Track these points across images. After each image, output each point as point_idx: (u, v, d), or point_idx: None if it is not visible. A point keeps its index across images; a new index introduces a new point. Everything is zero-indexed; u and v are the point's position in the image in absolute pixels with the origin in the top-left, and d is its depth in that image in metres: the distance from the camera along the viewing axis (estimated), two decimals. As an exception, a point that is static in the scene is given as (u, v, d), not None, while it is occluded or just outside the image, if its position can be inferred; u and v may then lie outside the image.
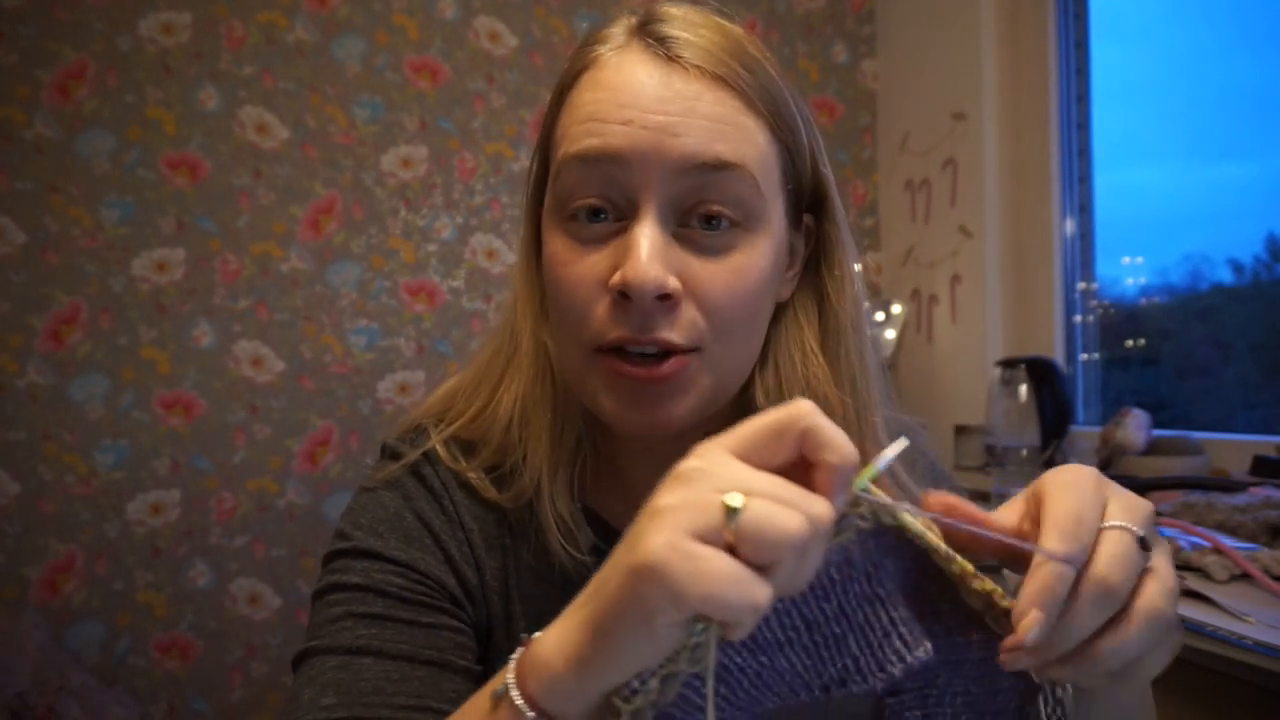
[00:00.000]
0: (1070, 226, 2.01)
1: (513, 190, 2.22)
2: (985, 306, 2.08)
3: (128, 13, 1.97)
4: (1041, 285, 2.04)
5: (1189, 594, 1.01)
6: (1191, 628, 0.95)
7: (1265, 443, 1.56)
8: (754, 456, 0.38)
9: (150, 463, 1.97)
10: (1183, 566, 1.06)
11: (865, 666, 0.41)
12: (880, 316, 2.33)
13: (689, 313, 0.56)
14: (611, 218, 0.57)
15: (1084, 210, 2.01)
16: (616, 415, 0.58)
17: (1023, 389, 1.85)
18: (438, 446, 0.65)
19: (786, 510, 0.35)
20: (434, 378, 2.15)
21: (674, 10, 0.61)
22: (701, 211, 0.57)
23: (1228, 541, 1.07)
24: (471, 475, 0.64)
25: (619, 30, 0.62)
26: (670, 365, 0.56)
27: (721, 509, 0.34)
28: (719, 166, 0.56)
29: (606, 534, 0.65)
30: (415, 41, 2.15)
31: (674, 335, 0.55)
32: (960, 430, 1.99)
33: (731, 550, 0.34)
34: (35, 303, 1.91)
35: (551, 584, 0.64)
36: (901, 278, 2.35)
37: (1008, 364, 1.91)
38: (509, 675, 0.41)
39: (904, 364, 2.33)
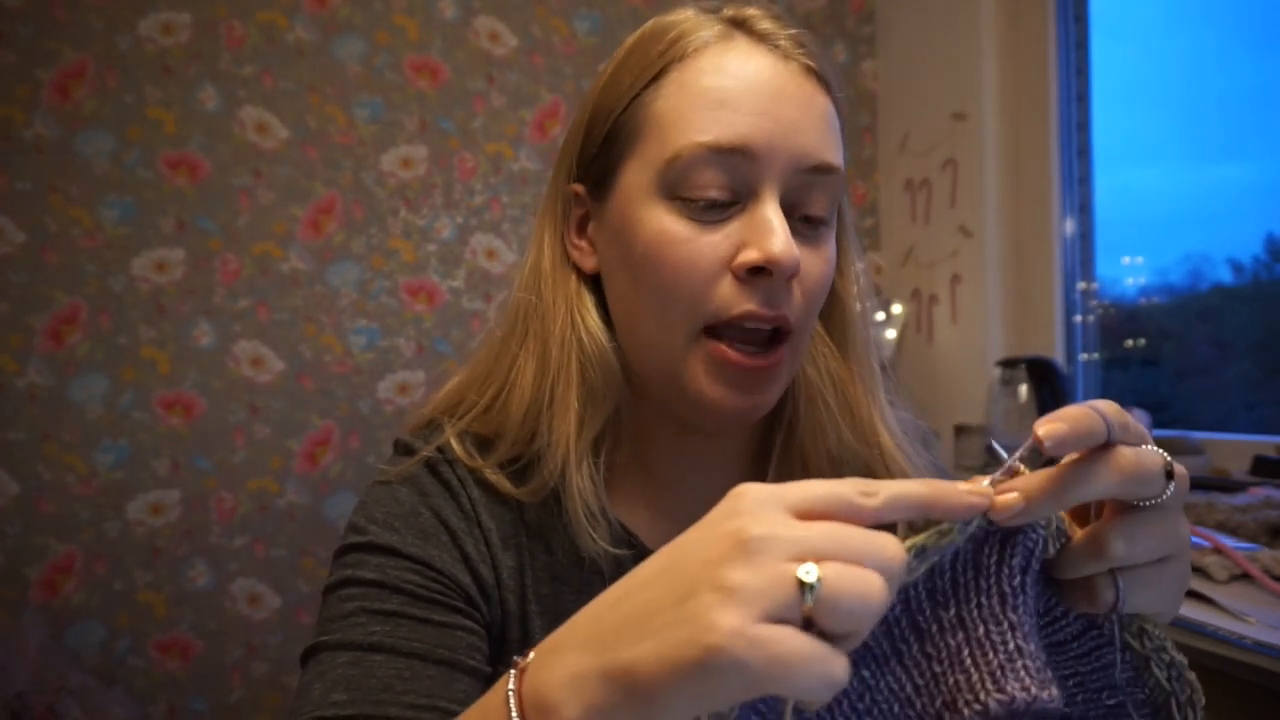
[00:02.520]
0: (1070, 226, 2.01)
1: (513, 190, 2.22)
2: (985, 306, 2.08)
3: (127, 12, 1.97)
4: (1041, 285, 2.04)
5: (1189, 594, 1.01)
6: (1191, 628, 0.95)
7: (1265, 443, 1.56)
8: (816, 516, 0.36)
9: (150, 463, 1.97)
10: (1183, 566, 1.06)
11: (979, 683, 0.38)
12: (880, 316, 2.33)
13: (797, 294, 0.59)
14: (727, 202, 0.59)
15: (1084, 210, 2.01)
16: (718, 400, 0.59)
17: (1023, 389, 1.85)
18: (453, 442, 0.64)
19: (862, 576, 0.33)
20: (434, 378, 2.15)
21: (758, 10, 0.63)
22: (803, 212, 0.60)
23: (1228, 541, 1.07)
24: (489, 472, 0.63)
25: (706, 21, 0.62)
26: (779, 353, 0.59)
27: (796, 586, 0.32)
28: (827, 169, 0.60)
29: (626, 534, 0.65)
30: (415, 41, 2.15)
31: (789, 313, 0.59)
32: (960, 430, 1.99)
33: (809, 621, 0.32)
34: (35, 303, 1.91)
35: (567, 584, 0.64)
36: (901, 278, 2.35)
37: (1008, 364, 1.91)
38: (514, 716, 0.38)
39: (904, 364, 2.33)
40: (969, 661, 0.38)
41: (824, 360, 0.67)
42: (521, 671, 0.40)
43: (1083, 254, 2.01)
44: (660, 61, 0.61)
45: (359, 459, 2.10)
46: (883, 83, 2.44)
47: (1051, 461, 0.40)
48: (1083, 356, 2.02)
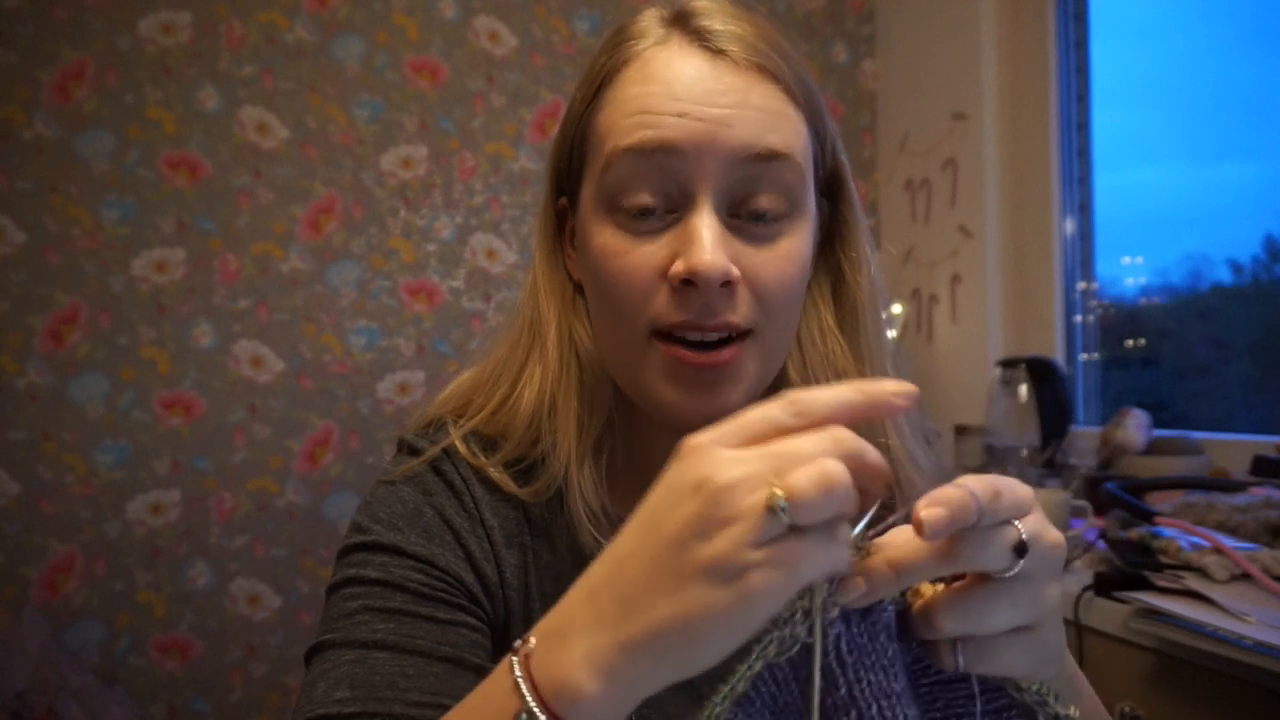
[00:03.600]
0: (1070, 226, 2.02)
1: (512, 190, 2.22)
2: (985, 306, 2.09)
3: (127, 13, 1.97)
4: (1041, 285, 2.04)
5: (1189, 594, 1.01)
6: (1191, 628, 0.95)
7: (1265, 443, 1.56)
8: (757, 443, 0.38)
9: (150, 463, 1.97)
10: (1183, 566, 1.06)
11: None
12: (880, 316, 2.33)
13: (744, 297, 0.58)
14: (663, 209, 0.58)
15: (1084, 210, 2.01)
16: (675, 403, 0.59)
17: (1023, 389, 1.85)
18: (457, 442, 0.65)
19: (818, 468, 0.35)
20: (434, 378, 2.15)
21: (705, 4, 0.62)
22: (752, 206, 0.58)
23: (1228, 541, 1.07)
24: (493, 471, 0.63)
25: (653, 24, 0.62)
26: (729, 351, 0.58)
27: (768, 513, 0.35)
28: (771, 157, 0.58)
29: None
30: (415, 41, 2.15)
31: (736, 318, 0.57)
32: (960, 430, 1.99)
33: (797, 529, 0.35)
34: (35, 303, 1.91)
35: (571, 582, 0.63)
36: (901, 278, 2.35)
37: (1008, 364, 1.91)
38: (530, 700, 0.39)
39: (904, 364, 2.33)
40: None
41: (834, 357, 0.66)
42: (525, 658, 0.40)
43: (1083, 254, 2.01)
44: (600, 74, 0.62)
45: (359, 459, 2.10)
46: (883, 83, 2.44)
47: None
48: (1083, 356, 2.02)
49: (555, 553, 0.64)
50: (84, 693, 1.69)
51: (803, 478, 0.35)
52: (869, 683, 0.40)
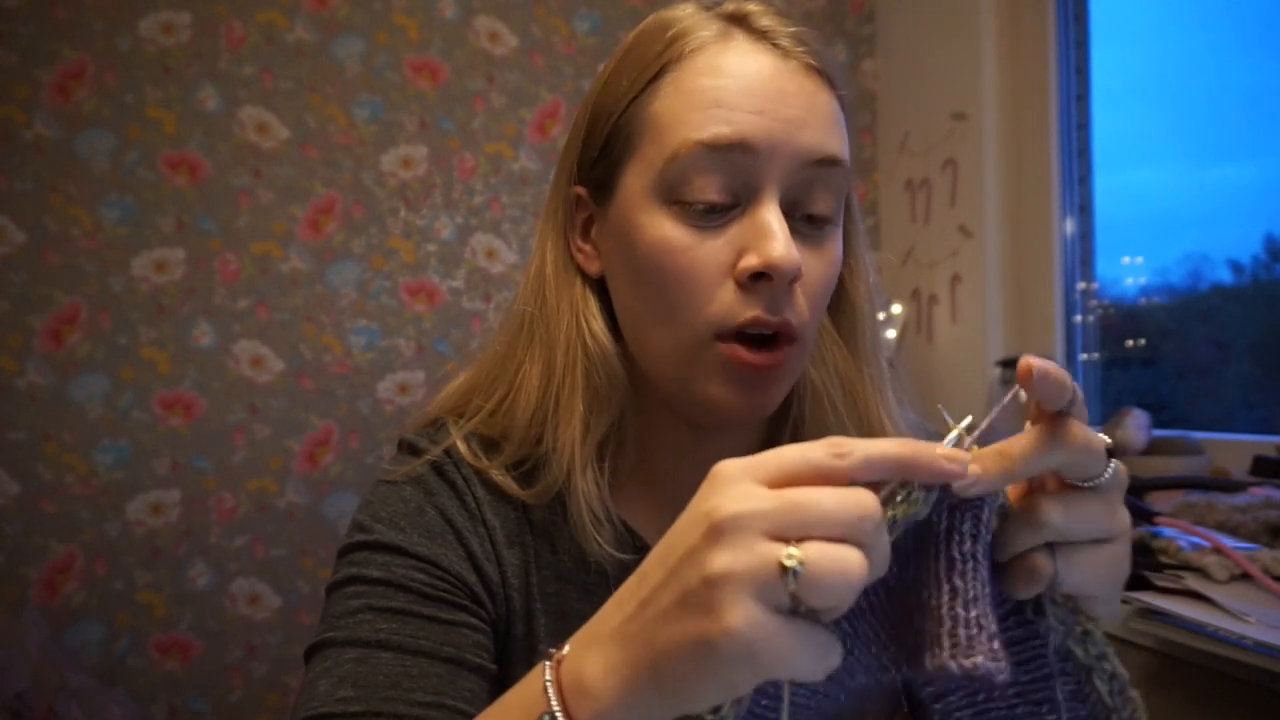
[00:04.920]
0: (1070, 226, 2.01)
1: (513, 190, 2.22)
2: (985, 306, 2.08)
3: (127, 12, 1.96)
4: (1041, 285, 2.04)
5: (1189, 594, 1.01)
6: (1191, 628, 0.95)
7: (1265, 443, 1.56)
8: (790, 484, 0.37)
9: (150, 463, 1.97)
10: (1183, 566, 1.06)
11: (927, 645, 0.39)
12: (880, 316, 2.33)
13: (799, 298, 0.58)
14: (727, 205, 0.58)
15: (1084, 210, 2.01)
16: (726, 401, 0.58)
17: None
18: (458, 443, 0.64)
19: (842, 554, 0.34)
20: (434, 378, 2.15)
21: (758, 6, 0.62)
22: (808, 208, 0.59)
23: (1228, 541, 1.07)
24: (495, 474, 0.63)
25: (705, 19, 0.61)
26: (784, 352, 0.58)
27: (779, 569, 0.33)
28: (832, 163, 0.59)
29: (631, 536, 0.65)
30: (415, 41, 2.15)
31: (793, 318, 0.58)
32: (960, 430, 1.99)
33: (794, 599, 0.34)
34: (35, 303, 1.91)
35: (572, 583, 0.64)
36: (901, 278, 2.35)
37: (1008, 364, 1.91)
38: (554, 704, 0.40)
39: (904, 364, 2.32)
40: (917, 624, 0.40)
41: (832, 359, 0.66)
42: (558, 663, 0.41)
43: (1083, 254, 2.01)
44: (658, 63, 0.60)
45: (359, 459, 2.10)
46: (883, 83, 2.44)
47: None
48: (1083, 356, 2.02)
49: (556, 554, 0.64)
50: (84, 693, 1.69)
51: (827, 554, 0.34)
52: (927, 569, 0.40)
